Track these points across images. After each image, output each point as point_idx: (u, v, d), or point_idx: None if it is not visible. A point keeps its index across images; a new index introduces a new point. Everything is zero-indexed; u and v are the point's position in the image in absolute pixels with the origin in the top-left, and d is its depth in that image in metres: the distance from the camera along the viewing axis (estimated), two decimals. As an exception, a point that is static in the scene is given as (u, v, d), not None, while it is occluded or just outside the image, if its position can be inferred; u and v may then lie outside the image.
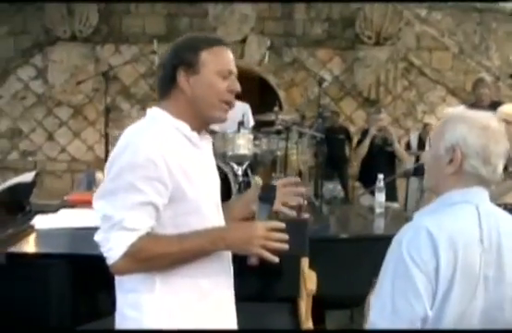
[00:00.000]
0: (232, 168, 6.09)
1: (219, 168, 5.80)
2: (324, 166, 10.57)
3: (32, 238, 3.25)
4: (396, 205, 5.48)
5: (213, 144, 6.16)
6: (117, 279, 1.90)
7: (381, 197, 4.49)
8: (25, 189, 3.84)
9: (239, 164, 6.18)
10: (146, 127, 1.88)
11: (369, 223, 4.80)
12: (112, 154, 1.83)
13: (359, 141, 7.18)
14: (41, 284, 2.77)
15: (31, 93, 10.96)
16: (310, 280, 2.76)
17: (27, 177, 3.85)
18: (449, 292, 1.65)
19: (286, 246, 1.86)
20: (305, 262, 3.01)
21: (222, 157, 6.04)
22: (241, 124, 6.07)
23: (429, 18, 10.78)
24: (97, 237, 1.81)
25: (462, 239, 1.69)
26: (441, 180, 1.82)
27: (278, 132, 6.11)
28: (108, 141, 5.84)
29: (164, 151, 1.80)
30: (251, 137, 6.08)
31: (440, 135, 1.81)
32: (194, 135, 1.92)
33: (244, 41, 10.76)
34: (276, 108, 6.05)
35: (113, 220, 1.77)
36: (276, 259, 1.85)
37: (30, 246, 3.11)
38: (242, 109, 6.78)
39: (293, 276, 3.06)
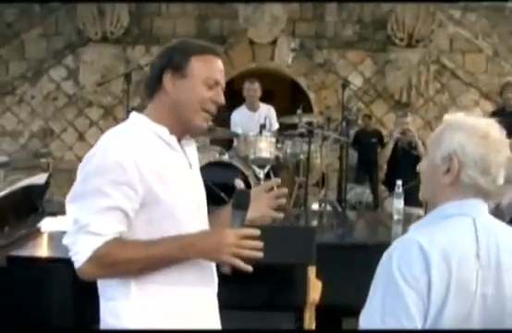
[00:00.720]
0: (253, 172, 6.04)
1: (240, 171, 5.80)
2: (355, 170, 10.54)
3: (37, 240, 3.23)
4: (419, 211, 5.34)
5: (236, 148, 6.15)
6: (99, 287, 1.86)
7: (399, 203, 4.37)
8: (38, 190, 3.83)
9: (261, 167, 6.13)
10: (120, 131, 1.85)
11: (385, 230, 4.69)
12: (84, 158, 1.80)
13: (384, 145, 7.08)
14: (42, 288, 2.74)
15: (63, 94, 11.06)
16: (314, 290, 2.69)
17: (40, 178, 3.84)
18: (442, 310, 1.55)
19: (259, 254, 1.79)
20: (312, 270, 2.93)
21: (243, 160, 5.99)
22: (263, 127, 6.01)
23: (463, 19, 10.58)
24: (65, 240, 1.78)
25: (456, 254, 1.57)
26: (437, 191, 1.70)
27: (302, 135, 6.02)
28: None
29: (135, 154, 1.76)
30: (273, 140, 6.02)
31: (437, 143, 1.70)
32: (173, 139, 1.87)
33: (274, 42, 10.69)
34: (299, 111, 5.97)
35: (79, 224, 1.73)
36: (249, 268, 1.78)
37: (32, 249, 3.09)
38: (265, 112, 6.73)
39: (300, 284, 2.98)
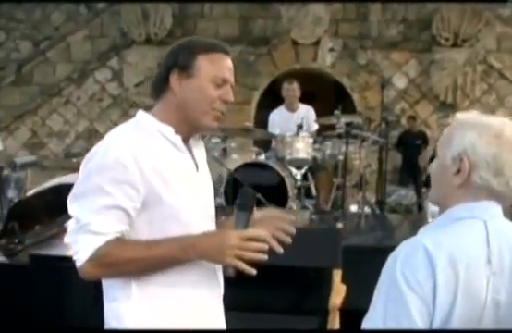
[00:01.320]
0: (290, 173, 5.98)
1: (276, 172, 5.75)
2: (399, 172, 10.40)
3: (62, 240, 3.23)
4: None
5: (274, 148, 6.08)
6: (104, 289, 1.84)
7: (433, 206, 4.26)
8: (69, 189, 3.84)
9: (298, 168, 6.07)
10: (123, 129, 1.82)
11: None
12: (86, 156, 1.78)
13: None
14: (63, 287, 2.75)
15: (107, 95, 11.21)
16: (337, 294, 2.61)
17: (72, 177, 3.86)
18: (450, 317, 1.47)
19: (264, 256, 1.72)
20: (337, 274, 2.86)
21: (280, 161, 5.94)
22: (300, 127, 5.94)
23: (511, 18, 10.34)
24: (67, 239, 1.76)
25: (465, 258, 1.48)
26: (448, 193, 1.60)
27: (340, 136, 5.93)
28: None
29: (138, 153, 1.72)
30: (311, 141, 5.95)
31: (447, 143, 1.61)
32: (177, 139, 1.83)
33: (317, 43, 10.62)
34: (337, 112, 5.88)
35: (80, 223, 1.70)
36: (253, 271, 1.71)
37: (59, 248, 3.09)
38: (304, 112, 6.66)
39: (324, 288, 2.90)
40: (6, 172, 6.84)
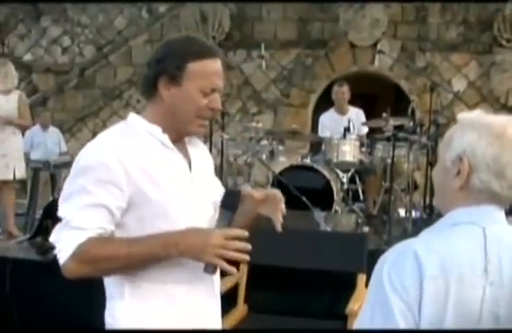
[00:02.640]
0: (337, 176, 5.93)
1: (322, 175, 5.71)
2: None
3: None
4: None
5: (323, 151, 6.05)
6: (105, 287, 1.87)
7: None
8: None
9: (345, 171, 6.02)
10: (109, 132, 1.86)
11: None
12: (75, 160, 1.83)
13: None
14: (85, 284, 2.77)
15: (166, 98, 11.33)
16: (358, 299, 2.56)
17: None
18: (441, 328, 1.41)
19: (246, 257, 1.73)
20: (361, 278, 2.81)
21: (327, 164, 5.90)
22: (347, 130, 5.89)
23: None
24: (51, 238, 1.79)
25: (458, 267, 1.40)
26: (448, 197, 1.54)
27: (389, 139, 5.85)
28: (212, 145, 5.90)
29: (122, 154, 1.75)
30: (358, 144, 5.89)
31: (447, 144, 1.54)
32: (165, 138, 1.85)
33: (375, 45, 10.49)
34: (385, 114, 5.80)
35: (64, 221, 1.75)
36: (234, 270, 1.72)
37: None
38: (351, 115, 6.60)
39: (347, 293, 2.85)
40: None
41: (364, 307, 1.48)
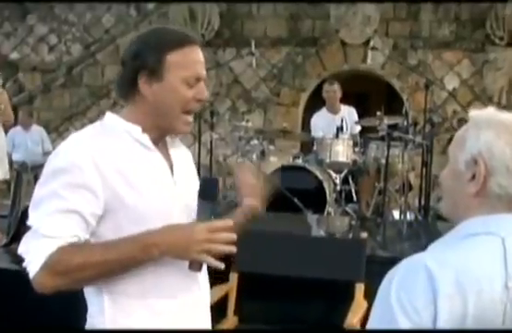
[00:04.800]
0: (329, 176, 5.78)
1: (314, 176, 5.55)
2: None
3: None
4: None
5: (315, 151, 5.89)
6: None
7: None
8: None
9: (338, 172, 5.87)
10: (83, 133, 1.71)
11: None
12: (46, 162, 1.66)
13: None
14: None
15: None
16: (356, 311, 2.38)
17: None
18: None
19: (233, 248, 1.59)
20: (360, 288, 2.63)
21: (319, 164, 5.75)
22: (340, 129, 5.73)
23: None
24: (19, 249, 1.63)
25: (476, 283, 1.25)
26: (460, 204, 1.38)
27: (383, 139, 5.69)
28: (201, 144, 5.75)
29: (97, 156, 1.60)
30: (351, 143, 5.74)
31: (460, 145, 1.39)
32: (145, 137, 1.70)
33: (367, 43, 10.35)
34: (379, 113, 5.65)
35: (32, 229, 1.59)
36: (221, 265, 1.59)
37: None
38: (344, 113, 6.45)
39: (344, 303, 2.67)
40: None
41: (369, 326, 1.31)
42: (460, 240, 1.34)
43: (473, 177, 1.35)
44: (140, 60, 1.67)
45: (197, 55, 1.71)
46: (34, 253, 1.57)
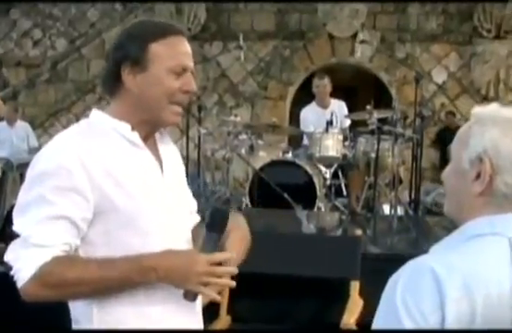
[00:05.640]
0: (319, 171, 5.74)
1: (304, 170, 5.51)
2: (438, 169, 10.04)
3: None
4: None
5: (304, 146, 5.85)
6: (70, 308, 1.64)
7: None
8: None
9: (328, 166, 5.83)
10: (68, 132, 1.62)
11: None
12: (30, 164, 1.58)
13: None
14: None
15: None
16: (352, 310, 2.33)
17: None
18: None
19: (232, 283, 1.55)
20: (355, 286, 2.58)
21: (309, 159, 5.70)
22: (330, 123, 5.68)
23: (558, 8, 9.87)
24: (6, 257, 1.55)
25: (483, 286, 1.20)
26: (464, 204, 1.33)
27: (373, 133, 5.64)
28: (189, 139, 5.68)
29: (84, 156, 1.53)
30: (341, 137, 5.69)
31: (464, 143, 1.33)
32: (135, 135, 1.62)
33: (354, 36, 10.31)
34: (369, 107, 5.60)
35: (21, 237, 1.51)
36: (218, 297, 1.55)
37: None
38: (334, 108, 6.39)
39: (339, 302, 2.62)
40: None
41: (374, 330, 1.26)
42: (465, 242, 1.28)
43: (478, 175, 1.30)
44: (123, 51, 1.60)
45: (182, 45, 1.64)
46: (24, 262, 1.50)
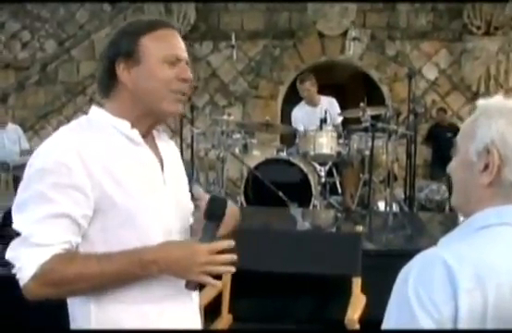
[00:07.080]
0: (314, 169, 5.74)
1: (298, 168, 5.50)
2: (430, 166, 10.06)
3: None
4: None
5: (297, 144, 5.85)
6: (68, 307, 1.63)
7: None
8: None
9: (322, 164, 5.83)
10: (67, 129, 1.61)
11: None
12: (28, 161, 1.57)
13: None
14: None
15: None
16: (355, 307, 2.32)
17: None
18: None
19: (232, 269, 1.55)
20: (357, 282, 2.57)
21: (303, 157, 5.70)
22: (324, 121, 5.68)
23: (547, 4, 9.91)
24: (7, 255, 1.54)
25: (495, 276, 1.20)
26: (472, 196, 1.32)
27: (366, 130, 5.65)
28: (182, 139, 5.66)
29: (83, 153, 1.52)
30: (335, 135, 5.69)
31: (470, 135, 1.33)
32: (134, 133, 1.61)
33: (344, 34, 10.31)
34: (363, 104, 5.60)
35: (22, 236, 1.50)
36: (219, 283, 1.57)
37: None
38: (326, 105, 6.39)
39: (341, 299, 2.61)
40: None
41: (385, 325, 1.25)
42: (474, 233, 1.29)
43: (486, 167, 1.30)
44: (115, 47, 1.61)
45: (173, 37, 1.64)
46: (25, 261, 1.49)
